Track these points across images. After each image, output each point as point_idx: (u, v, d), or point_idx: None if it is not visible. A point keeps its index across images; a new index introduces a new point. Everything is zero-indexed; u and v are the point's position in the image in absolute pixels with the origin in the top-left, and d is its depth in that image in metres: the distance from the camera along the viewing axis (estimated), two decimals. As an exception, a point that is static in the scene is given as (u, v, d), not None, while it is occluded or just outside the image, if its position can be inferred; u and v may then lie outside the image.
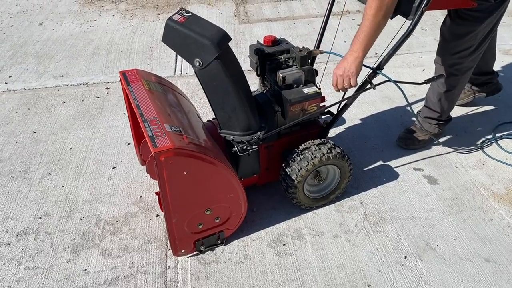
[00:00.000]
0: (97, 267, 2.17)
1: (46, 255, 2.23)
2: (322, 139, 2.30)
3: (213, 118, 2.48)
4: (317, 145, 2.25)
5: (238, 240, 2.29)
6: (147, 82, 2.26)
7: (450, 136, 2.94)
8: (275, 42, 2.25)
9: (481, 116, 3.12)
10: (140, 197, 2.57)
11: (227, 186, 2.04)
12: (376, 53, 3.81)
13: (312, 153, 2.21)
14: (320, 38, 2.42)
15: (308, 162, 2.19)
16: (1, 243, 2.29)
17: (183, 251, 2.16)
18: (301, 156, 2.22)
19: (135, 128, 2.53)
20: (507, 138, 2.89)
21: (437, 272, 2.09)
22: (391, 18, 2.06)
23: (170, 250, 2.23)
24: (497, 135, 2.92)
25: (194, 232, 2.12)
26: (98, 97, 3.49)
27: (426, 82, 2.24)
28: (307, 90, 2.11)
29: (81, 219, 2.43)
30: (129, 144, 2.97)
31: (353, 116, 3.14)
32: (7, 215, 2.46)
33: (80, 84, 3.69)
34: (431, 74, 3.63)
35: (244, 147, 2.11)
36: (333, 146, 2.27)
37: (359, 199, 2.49)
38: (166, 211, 1.95)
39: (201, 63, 1.84)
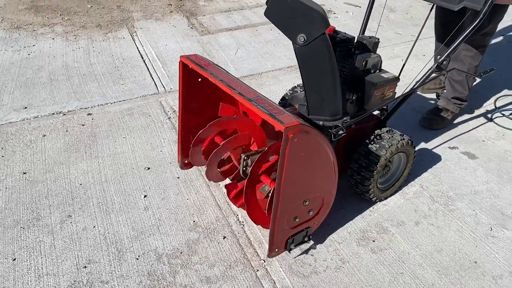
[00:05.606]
0: (186, 307, 1.85)
1: (116, 307, 1.85)
2: (388, 128, 2.26)
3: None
4: (387, 133, 2.20)
5: (325, 245, 2.13)
6: (216, 65, 2.04)
7: (460, 114, 3.10)
8: (335, 31, 2.16)
9: (476, 95, 3.35)
10: (194, 221, 2.27)
11: (329, 171, 1.89)
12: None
13: (388, 141, 2.16)
14: (365, 26, 2.40)
15: (386, 151, 2.13)
16: (50, 307, 1.84)
17: (276, 250, 1.95)
18: (377, 146, 2.15)
19: (183, 127, 2.28)
20: (509, 109, 3.16)
21: (527, 236, 2.16)
22: (455, 10, 2.07)
23: (259, 271, 2.00)
24: (500, 108, 3.16)
25: (291, 227, 1.93)
26: (83, 125, 3.05)
27: (482, 74, 2.32)
28: (386, 75, 2.06)
29: (137, 259, 2.07)
30: (148, 168, 2.62)
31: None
32: (39, 272, 2.00)
33: (53, 113, 3.19)
34: (410, 63, 3.84)
35: (339, 132, 1.97)
36: (401, 133, 2.24)
37: (417, 184, 2.49)
38: (275, 200, 1.75)
39: (305, 38, 1.68)
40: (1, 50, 4.19)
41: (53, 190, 2.47)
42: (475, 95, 3.34)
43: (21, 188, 2.48)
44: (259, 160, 1.86)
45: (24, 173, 2.60)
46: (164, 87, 3.53)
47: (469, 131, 2.95)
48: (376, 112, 2.33)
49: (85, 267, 2.03)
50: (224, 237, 2.18)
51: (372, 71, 2.08)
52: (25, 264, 2.03)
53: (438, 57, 2.15)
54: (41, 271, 2.00)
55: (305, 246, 2.10)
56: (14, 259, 2.06)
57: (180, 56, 2.04)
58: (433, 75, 2.23)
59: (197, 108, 2.25)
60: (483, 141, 2.85)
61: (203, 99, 2.23)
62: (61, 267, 2.02)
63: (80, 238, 2.17)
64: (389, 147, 2.14)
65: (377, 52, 2.18)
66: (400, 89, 2.34)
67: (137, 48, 4.18)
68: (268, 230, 1.87)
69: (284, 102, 2.58)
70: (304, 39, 1.68)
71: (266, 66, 3.86)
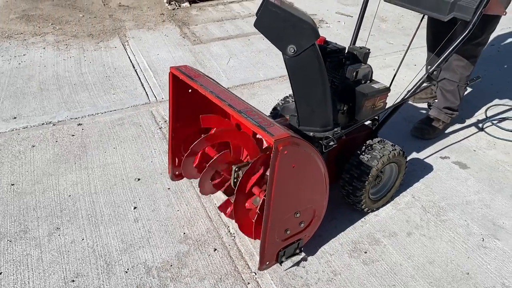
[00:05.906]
0: (175, 321, 1.82)
1: (104, 322, 1.81)
2: (380, 138, 2.25)
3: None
4: (378, 143, 2.20)
5: (316, 257, 2.11)
6: (206, 76, 2.03)
7: (451, 124, 3.11)
8: (326, 42, 2.16)
9: (467, 104, 3.36)
10: (184, 233, 2.24)
11: (320, 182, 1.88)
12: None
13: (379, 152, 2.15)
14: (356, 36, 2.40)
15: (377, 161, 2.12)
16: (36, 322, 1.80)
17: (267, 262, 1.93)
18: (368, 156, 2.14)
19: (173, 137, 2.26)
20: (499, 119, 3.17)
21: (519, 247, 2.15)
22: (445, 20, 2.08)
23: (250, 284, 1.98)
24: (491, 117, 3.17)
25: (282, 240, 1.91)
26: (73, 135, 3.02)
27: (469, 83, 2.33)
28: (376, 86, 2.06)
29: (126, 272, 2.04)
30: (139, 180, 2.60)
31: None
32: (25, 286, 1.96)
33: (42, 124, 3.16)
34: (402, 73, 3.86)
35: (329, 143, 1.96)
36: (392, 143, 2.24)
37: (409, 194, 2.49)
38: (265, 213, 1.73)
39: (295, 49, 1.68)
40: (-9, 59, 4.16)
41: (41, 202, 2.43)
42: (466, 105, 3.35)
43: (9, 200, 2.45)
44: (247, 172, 1.85)
45: (12, 184, 2.56)
46: (155, 97, 3.51)
47: (461, 140, 2.96)
48: (367, 122, 2.33)
49: (73, 281, 1.99)
50: (215, 249, 2.15)
51: (362, 82, 2.08)
52: (12, 278, 2.00)
53: (429, 67, 2.15)
54: (28, 285, 1.97)
55: (296, 258, 2.08)
56: (0, 273, 2.02)
57: (170, 67, 2.03)
58: (425, 84, 2.23)
59: (187, 118, 2.23)
60: (475, 150, 2.85)
61: (194, 110, 2.22)
62: (48, 281, 1.99)
63: (68, 251, 2.14)
64: (381, 157, 2.13)
65: (368, 62, 2.18)
66: (392, 99, 2.34)
67: (129, 57, 4.17)
68: (259, 242, 1.85)
69: (276, 112, 2.57)
70: (294, 50, 1.68)
71: (258, 75, 3.86)
